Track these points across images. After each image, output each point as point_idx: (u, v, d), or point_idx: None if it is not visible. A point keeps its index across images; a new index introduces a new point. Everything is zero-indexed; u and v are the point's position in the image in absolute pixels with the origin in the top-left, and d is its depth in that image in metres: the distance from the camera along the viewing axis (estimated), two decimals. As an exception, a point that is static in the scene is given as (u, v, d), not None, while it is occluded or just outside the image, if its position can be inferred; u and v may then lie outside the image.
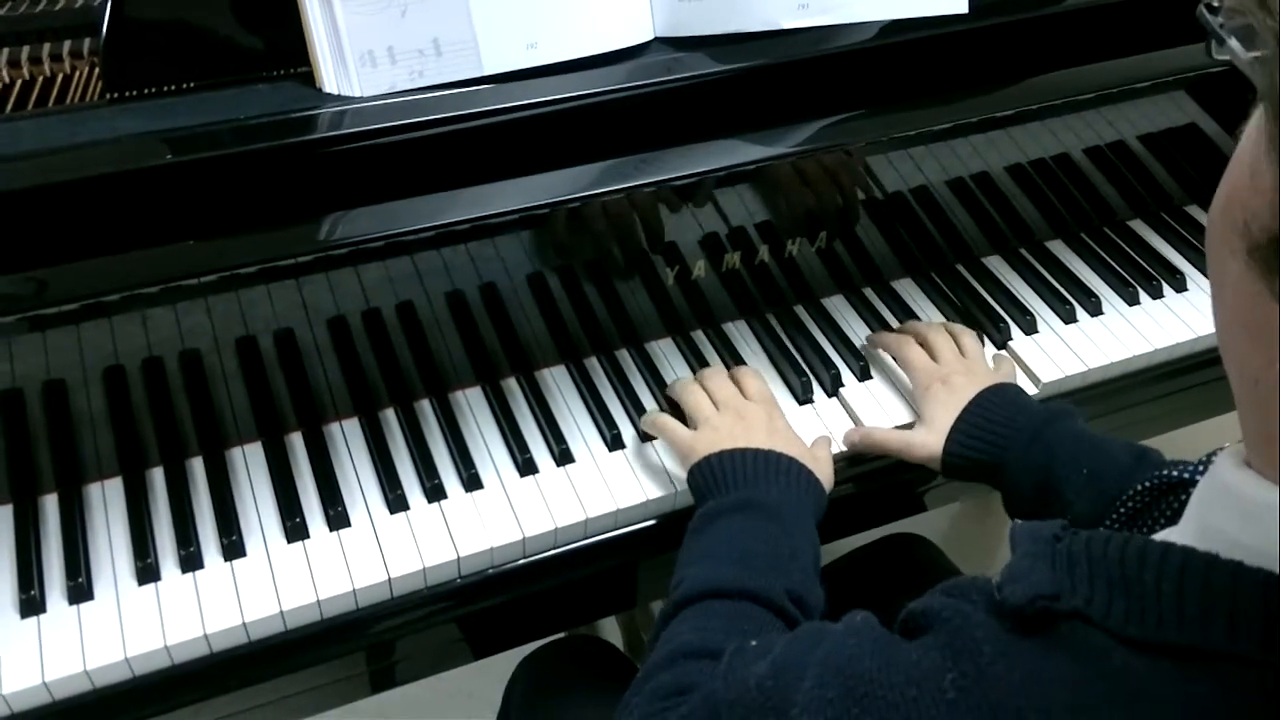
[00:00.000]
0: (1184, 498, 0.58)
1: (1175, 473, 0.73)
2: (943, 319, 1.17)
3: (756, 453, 0.90)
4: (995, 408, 0.96)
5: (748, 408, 0.97)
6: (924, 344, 1.07)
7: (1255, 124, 0.45)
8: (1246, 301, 0.47)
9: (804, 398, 1.09)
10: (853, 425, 1.06)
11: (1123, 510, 0.76)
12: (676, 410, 1.02)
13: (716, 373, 1.03)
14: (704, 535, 0.86)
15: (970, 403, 0.97)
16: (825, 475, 0.94)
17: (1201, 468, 0.69)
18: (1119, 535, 0.53)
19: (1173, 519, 0.69)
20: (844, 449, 1.04)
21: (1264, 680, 0.46)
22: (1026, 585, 0.52)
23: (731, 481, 0.89)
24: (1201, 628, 0.47)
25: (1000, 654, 0.51)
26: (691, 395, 0.99)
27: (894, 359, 1.09)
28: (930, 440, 0.98)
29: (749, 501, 0.87)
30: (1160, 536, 0.54)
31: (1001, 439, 0.93)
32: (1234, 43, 0.45)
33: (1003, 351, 1.13)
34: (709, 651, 0.72)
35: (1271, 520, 0.49)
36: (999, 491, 0.95)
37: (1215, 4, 0.48)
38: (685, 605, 0.79)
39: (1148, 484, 0.74)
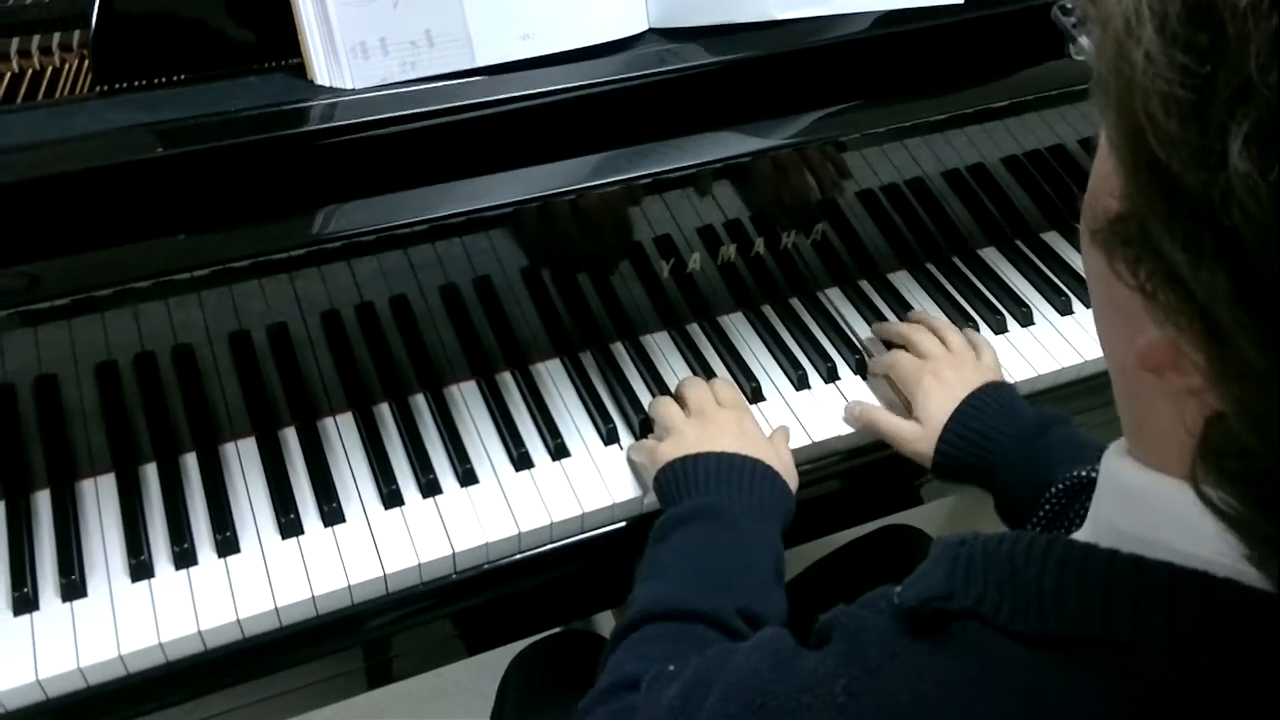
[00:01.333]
0: None
1: (1086, 472, 0.74)
2: (938, 311, 1.17)
3: (720, 456, 0.90)
4: (988, 411, 0.95)
5: (717, 413, 0.97)
6: (907, 345, 1.06)
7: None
8: (1102, 287, 0.49)
9: (800, 389, 1.08)
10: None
11: (1042, 513, 0.77)
12: None
13: (693, 380, 1.03)
14: (660, 548, 0.85)
15: (962, 403, 0.96)
16: (790, 474, 0.93)
17: None
18: (1013, 534, 0.54)
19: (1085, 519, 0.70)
20: (841, 434, 1.04)
21: (1136, 663, 0.47)
22: (921, 587, 0.54)
23: (691, 486, 0.88)
24: (1078, 617, 0.48)
25: (890, 655, 0.53)
26: (661, 408, 0.99)
27: (886, 375, 1.07)
28: (922, 439, 0.97)
29: (707, 510, 0.86)
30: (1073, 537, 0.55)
31: (994, 444, 0.92)
32: (1084, 41, 0.46)
33: (977, 333, 1.12)
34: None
35: (1145, 505, 0.51)
36: (992, 496, 0.94)
37: (1069, 5, 0.50)
38: (635, 628, 0.78)
39: (1062, 485, 0.75)
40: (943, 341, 1.05)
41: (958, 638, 0.51)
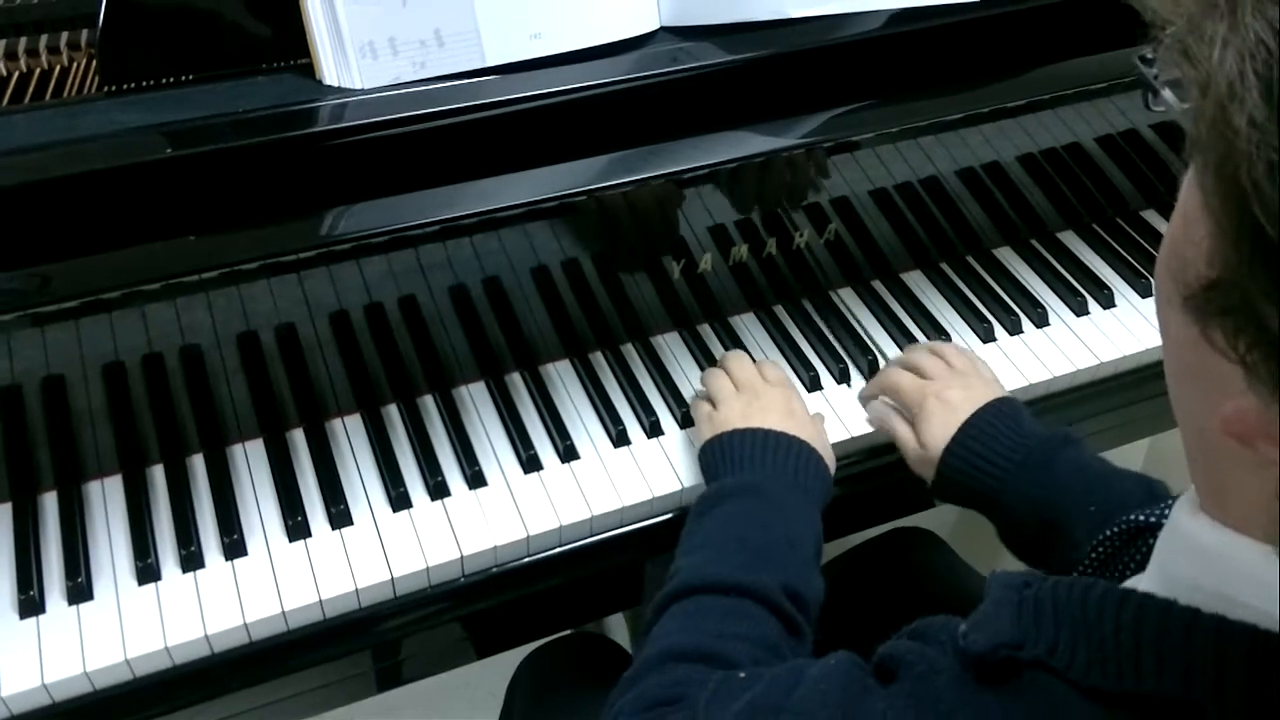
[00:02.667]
0: (1151, 542, 0.58)
1: (1142, 517, 0.72)
2: (952, 310, 1.16)
3: (767, 434, 0.89)
4: (991, 434, 0.90)
5: (766, 389, 0.96)
6: (909, 368, 1.01)
7: (1190, 175, 0.45)
8: (1187, 350, 0.47)
9: (811, 390, 1.07)
10: (864, 419, 1.04)
11: (1093, 556, 0.75)
12: None
13: (740, 355, 1.02)
14: (705, 520, 0.85)
15: (966, 423, 0.91)
16: (830, 456, 0.93)
17: (1167, 512, 0.68)
18: (1083, 581, 0.53)
19: (1141, 564, 0.69)
20: (853, 435, 1.03)
21: None
22: (990, 633, 0.52)
23: (738, 462, 0.88)
24: (1157, 676, 0.47)
25: (962, 703, 0.52)
26: (713, 379, 0.99)
27: (883, 395, 1.02)
28: (925, 462, 0.94)
29: (753, 486, 0.86)
30: (1129, 584, 0.54)
31: (997, 469, 0.89)
32: (1168, 93, 0.46)
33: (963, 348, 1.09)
34: (699, 654, 0.71)
35: (1225, 565, 0.49)
36: (993, 524, 0.91)
37: (1150, 55, 0.48)
38: (678, 598, 0.78)
39: (1116, 529, 0.73)
40: (946, 362, 1.01)
41: (1029, 690, 0.50)
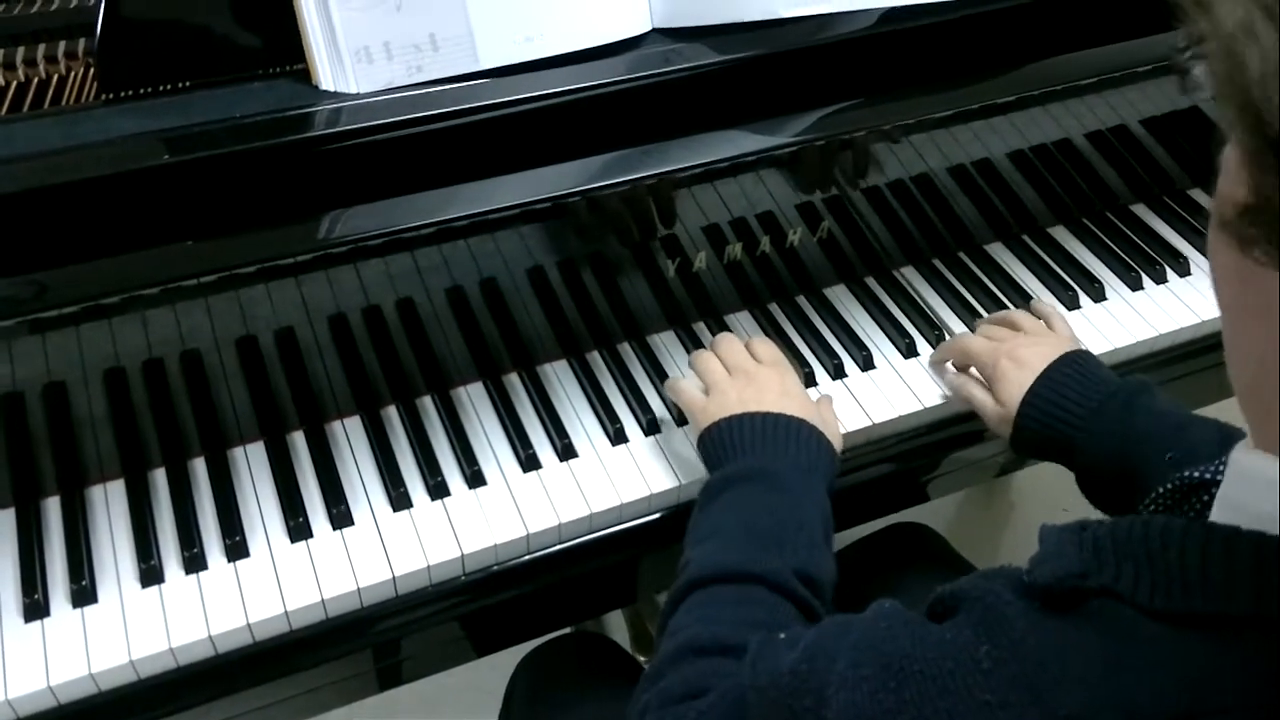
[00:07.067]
0: (1206, 498, 0.59)
1: (1196, 474, 0.73)
2: (945, 306, 1.17)
3: (765, 417, 0.89)
4: (1066, 384, 0.92)
5: (759, 371, 0.96)
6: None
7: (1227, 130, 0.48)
8: (1235, 286, 0.51)
9: (806, 386, 1.08)
10: (859, 414, 1.05)
11: (1148, 511, 0.75)
12: None
13: (729, 338, 1.02)
14: (711, 509, 0.85)
15: (1042, 374, 0.93)
16: (834, 435, 0.93)
17: (1222, 467, 0.69)
18: (1142, 518, 0.54)
19: (1198, 519, 0.69)
20: (849, 430, 1.03)
21: None
22: (1054, 565, 0.54)
23: (739, 448, 0.88)
24: (1225, 595, 0.49)
25: (1032, 627, 0.53)
26: (703, 362, 0.99)
27: (955, 364, 1.05)
28: (1003, 420, 0.96)
29: (756, 470, 0.86)
30: None
31: (1075, 416, 0.90)
32: (1198, 71, 0.48)
33: (1043, 304, 1.12)
34: (719, 647, 0.72)
35: None
36: (1072, 472, 0.92)
37: (1183, 45, 0.52)
38: (691, 590, 0.78)
39: (1170, 486, 0.74)
40: (1013, 326, 1.04)
41: (1098, 615, 0.51)
